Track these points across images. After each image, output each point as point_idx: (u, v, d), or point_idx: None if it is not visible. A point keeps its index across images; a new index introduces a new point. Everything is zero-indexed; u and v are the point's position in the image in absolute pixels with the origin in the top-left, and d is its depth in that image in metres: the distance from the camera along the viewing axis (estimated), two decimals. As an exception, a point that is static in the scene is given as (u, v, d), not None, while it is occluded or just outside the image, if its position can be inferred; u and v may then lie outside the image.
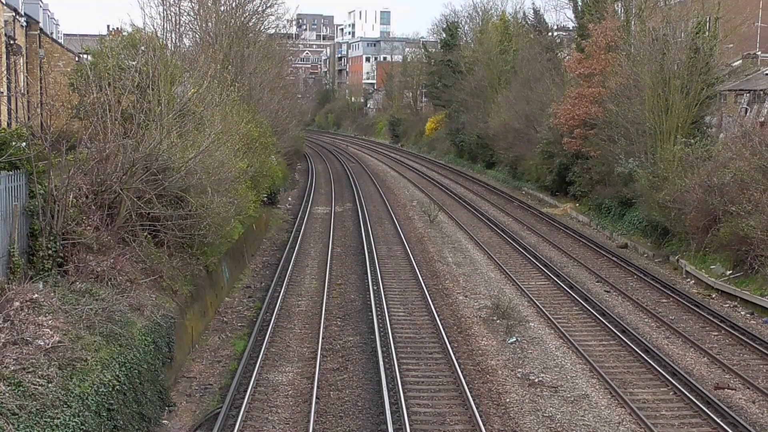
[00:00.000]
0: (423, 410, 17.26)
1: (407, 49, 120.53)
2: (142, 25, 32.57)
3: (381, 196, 53.43)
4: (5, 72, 29.40)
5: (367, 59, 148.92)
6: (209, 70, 26.34)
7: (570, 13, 59.88)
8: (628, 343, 21.67)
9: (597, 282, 29.63)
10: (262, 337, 21.95)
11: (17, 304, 13.70)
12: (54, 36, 45.98)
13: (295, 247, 35.17)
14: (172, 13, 31.87)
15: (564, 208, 47.08)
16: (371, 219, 43.16)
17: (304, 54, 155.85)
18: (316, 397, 17.77)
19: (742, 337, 22.44)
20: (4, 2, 30.86)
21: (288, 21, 58.25)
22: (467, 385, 18.25)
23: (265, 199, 40.48)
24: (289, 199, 53.06)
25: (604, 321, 23.91)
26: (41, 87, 33.13)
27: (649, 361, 20.19)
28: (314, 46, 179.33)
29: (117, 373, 14.32)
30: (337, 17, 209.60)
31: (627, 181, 37.44)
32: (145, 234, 20.02)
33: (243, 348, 21.28)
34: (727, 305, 26.44)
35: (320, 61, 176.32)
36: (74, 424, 12.13)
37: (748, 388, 18.87)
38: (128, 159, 19.39)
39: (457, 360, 20.06)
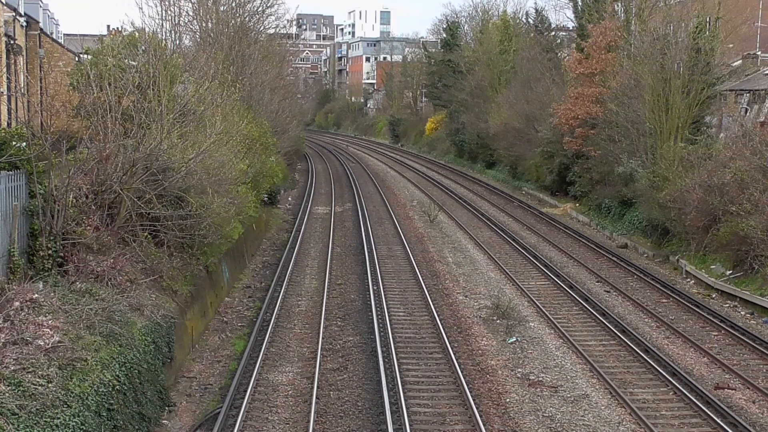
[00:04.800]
0: (423, 410, 17.26)
1: (407, 49, 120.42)
2: (142, 25, 32.56)
3: (381, 196, 53.43)
4: (5, 72, 29.40)
5: (367, 59, 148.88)
6: (210, 70, 26.34)
7: (570, 13, 59.97)
8: (628, 343, 21.66)
9: (597, 282, 29.63)
10: (262, 337, 21.95)
11: (17, 304, 13.70)
12: (54, 36, 45.99)
13: (295, 247, 35.16)
14: (172, 14, 31.89)
15: (564, 208, 47.08)
16: (371, 219, 43.16)
17: (304, 54, 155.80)
18: (316, 397, 17.77)
19: (742, 337, 22.43)
20: (4, 2, 30.87)
21: (288, 21, 58.29)
22: (467, 385, 18.25)
23: (266, 199, 40.48)
24: (289, 199, 53.06)
25: (604, 321, 23.90)
26: (41, 87, 33.11)
27: (649, 361, 20.19)
28: (314, 46, 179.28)
29: (117, 373, 14.32)
30: (337, 17, 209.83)
31: (627, 181, 37.45)
32: (145, 234, 20.02)
33: (243, 348, 21.28)
34: (727, 305, 26.44)
35: (320, 61, 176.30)
36: (74, 424, 12.13)
37: (748, 388, 18.86)
38: (128, 159, 19.39)
39: (457, 360, 20.06)
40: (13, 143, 16.25)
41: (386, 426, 16.13)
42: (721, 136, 35.37)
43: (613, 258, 33.48)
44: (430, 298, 26.23)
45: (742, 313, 25.57)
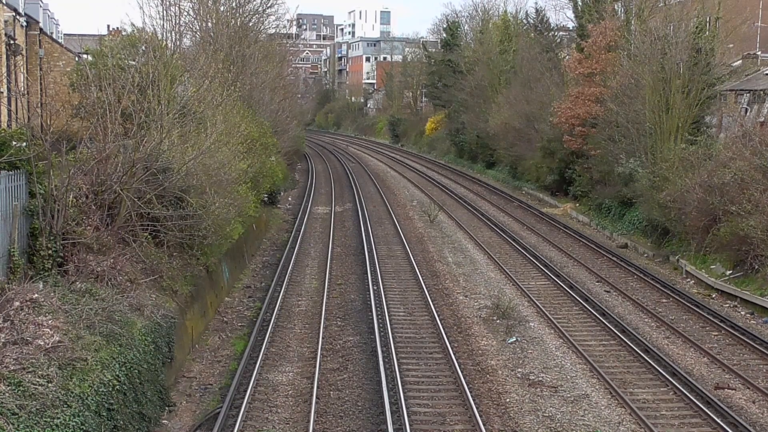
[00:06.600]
0: (423, 410, 17.26)
1: (407, 49, 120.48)
2: (142, 24, 32.59)
3: (381, 196, 53.43)
4: (5, 72, 29.40)
5: (367, 59, 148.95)
6: (210, 70, 26.33)
7: (570, 13, 59.96)
8: (628, 343, 21.66)
9: (597, 282, 29.63)
10: (262, 337, 21.95)
11: (17, 303, 13.69)
12: (54, 36, 45.98)
13: (295, 246, 35.16)
14: (172, 14, 31.85)
15: (564, 208, 47.08)
16: (371, 219, 43.16)
17: (304, 54, 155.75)
18: (316, 397, 17.77)
19: (742, 337, 22.43)
20: (4, 2, 30.88)
21: (288, 21, 58.31)
22: (467, 385, 18.25)
23: (266, 198, 40.48)
24: (289, 199, 53.06)
25: (604, 321, 23.90)
26: (41, 87, 33.13)
27: (649, 361, 20.19)
28: (314, 46, 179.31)
29: (117, 373, 14.31)
30: (337, 17, 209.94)
31: (627, 181, 37.45)
32: (145, 234, 20.02)
33: (243, 348, 21.28)
34: (727, 305, 26.44)
35: (320, 61, 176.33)
36: (74, 424, 12.13)
37: (748, 388, 18.87)
38: (128, 159, 19.40)
39: (457, 360, 20.06)
40: (13, 143, 16.24)
41: (386, 426, 16.13)
42: (721, 136, 35.36)
43: (613, 258, 33.48)
44: (430, 298, 26.22)
45: (742, 313, 25.57)
